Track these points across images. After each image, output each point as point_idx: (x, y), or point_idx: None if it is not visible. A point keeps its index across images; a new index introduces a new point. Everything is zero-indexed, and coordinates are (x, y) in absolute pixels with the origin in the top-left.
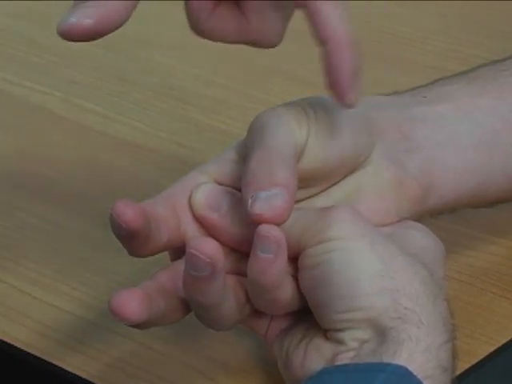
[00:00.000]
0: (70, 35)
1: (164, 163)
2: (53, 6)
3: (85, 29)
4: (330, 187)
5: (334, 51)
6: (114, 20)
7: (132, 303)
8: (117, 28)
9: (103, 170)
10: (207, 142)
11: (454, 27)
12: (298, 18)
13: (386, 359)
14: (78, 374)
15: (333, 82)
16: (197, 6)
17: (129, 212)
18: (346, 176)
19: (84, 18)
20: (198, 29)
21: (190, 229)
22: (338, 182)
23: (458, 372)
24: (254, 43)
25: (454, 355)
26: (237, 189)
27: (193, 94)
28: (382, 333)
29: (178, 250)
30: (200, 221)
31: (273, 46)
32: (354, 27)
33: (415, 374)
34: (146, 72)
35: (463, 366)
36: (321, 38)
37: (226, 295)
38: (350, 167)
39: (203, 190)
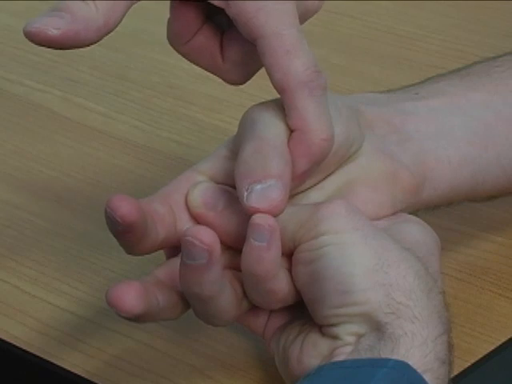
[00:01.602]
0: (32, 39)
1: (164, 162)
2: (52, 4)
3: (48, 38)
4: (323, 180)
5: (301, 142)
6: (81, 39)
7: (129, 294)
8: (81, 46)
9: (103, 168)
10: (207, 140)
11: (455, 26)
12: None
13: (385, 356)
14: (77, 372)
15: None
16: (179, 28)
17: (124, 206)
18: (338, 167)
19: (52, 26)
20: (174, 47)
21: (187, 227)
22: (331, 174)
23: (458, 371)
24: (220, 77)
25: (450, 348)
26: (231, 185)
27: (193, 93)
28: (377, 328)
29: (174, 249)
30: (196, 219)
31: (235, 85)
32: (355, 26)
33: (415, 368)
34: (146, 71)
35: (463, 364)
36: (293, 125)
37: (223, 287)
38: (343, 156)
39: (199, 189)
